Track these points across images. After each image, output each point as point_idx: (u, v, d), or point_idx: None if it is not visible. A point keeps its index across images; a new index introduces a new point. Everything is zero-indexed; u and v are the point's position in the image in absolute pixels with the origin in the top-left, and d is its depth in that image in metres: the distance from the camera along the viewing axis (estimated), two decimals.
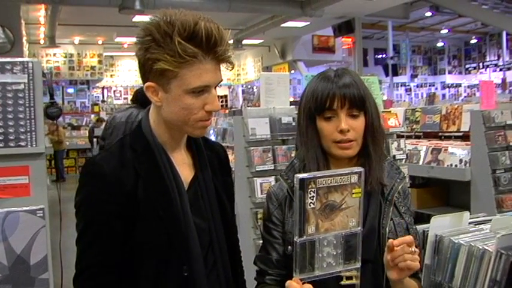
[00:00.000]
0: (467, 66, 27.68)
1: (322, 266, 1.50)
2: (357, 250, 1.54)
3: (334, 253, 1.51)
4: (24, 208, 2.32)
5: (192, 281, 1.66)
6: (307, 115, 1.77)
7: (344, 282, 1.53)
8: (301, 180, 1.43)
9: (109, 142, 6.10)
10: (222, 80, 1.65)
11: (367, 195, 1.54)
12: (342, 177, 1.48)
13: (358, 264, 1.54)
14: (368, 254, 1.67)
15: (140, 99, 6.24)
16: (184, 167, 1.74)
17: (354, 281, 1.54)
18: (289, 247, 1.76)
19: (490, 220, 1.87)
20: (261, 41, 17.70)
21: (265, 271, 1.84)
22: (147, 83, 1.61)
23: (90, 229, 1.64)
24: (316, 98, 1.73)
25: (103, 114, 18.29)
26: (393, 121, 4.23)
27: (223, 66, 1.64)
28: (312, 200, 1.44)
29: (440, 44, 27.35)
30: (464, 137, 5.44)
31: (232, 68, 1.67)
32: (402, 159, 4.24)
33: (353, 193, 1.50)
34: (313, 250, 1.48)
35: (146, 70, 1.60)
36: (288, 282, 1.48)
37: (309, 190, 1.44)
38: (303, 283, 1.47)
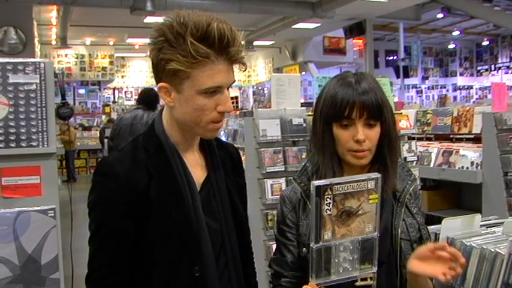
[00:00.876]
0: (478, 68, 27.53)
1: (338, 271, 1.50)
2: (374, 255, 1.54)
3: (351, 258, 1.51)
4: (36, 208, 2.33)
5: (203, 281, 1.66)
6: (324, 120, 1.76)
7: (359, 283, 1.54)
8: (318, 188, 1.43)
9: (116, 143, 6.27)
10: (234, 81, 1.65)
11: (380, 198, 1.54)
12: (359, 183, 1.48)
13: (375, 269, 1.54)
14: (382, 256, 1.67)
15: (145, 100, 6.50)
16: (196, 168, 1.75)
17: (369, 282, 1.54)
18: (304, 249, 1.77)
19: (502, 223, 1.86)
20: (272, 42, 17.69)
21: (281, 273, 1.84)
22: (160, 84, 1.62)
23: (103, 229, 1.64)
24: (335, 104, 1.72)
25: (114, 115, 18.33)
26: (404, 123, 4.22)
27: (235, 67, 1.64)
28: (329, 206, 1.45)
29: (451, 46, 27.20)
30: (476, 139, 5.41)
31: (245, 69, 1.67)
32: (413, 161, 4.23)
33: (370, 199, 1.50)
34: (329, 256, 1.49)
35: (159, 70, 1.60)
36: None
37: (326, 197, 1.44)
38: None
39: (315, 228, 1.45)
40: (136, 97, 21.27)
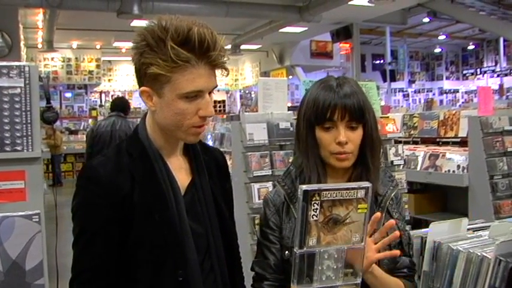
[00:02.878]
0: (464, 72, 27.74)
1: (321, 279, 1.48)
2: (359, 265, 1.53)
3: (335, 267, 1.49)
4: (20, 213, 2.30)
5: (187, 285, 1.66)
6: (307, 123, 1.78)
7: None
8: (305, 192, 1.42)
9: (97, 149, 6.74)
10: (216, 86, 1.65)
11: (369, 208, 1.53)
12: (348, 191, 1.46)
13: (359, 280, 1.53)
14: None
15: (119, 107, 7.08)
16: (181, 172, 1.75)
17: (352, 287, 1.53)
18: (287, 252, 1.77)
19: (489, 226, 1.87)
20: (259, 46, 17.70)
21: (263, 276, 1.83)
22: (142, 88, 1.63)
23: (86, 233, 1.64)
24: (317, 107, 1.74)
25: (101, 119, 18.23)
26: (391, 127, 4.22)
27: (218, 72, 1.64)
28: (315, 212, 1.43)
29: (438, 50, 27.40)
30: (462, 143, 5.43)
31: (228, 74, 1.67)
32: (400, 164, 4.24)
33: (359, 208, 1.48)
34: (312, 262, 1.47)
35: (141, 75, 1.61)
36: None
37: (313, 202, 1.42)
38: None
39: (300, 233, 1.44)
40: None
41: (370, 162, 1.80)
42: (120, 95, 18.59)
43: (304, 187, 1.43)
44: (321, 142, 1.76)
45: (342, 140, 1.71)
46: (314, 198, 1.42)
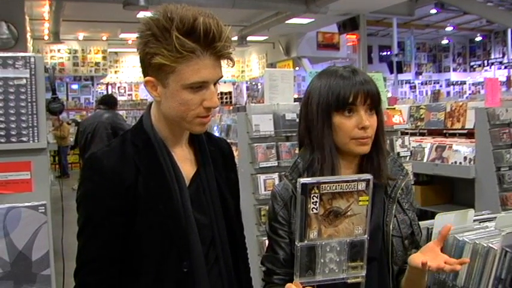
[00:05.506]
0: (472, 63, 27.65)
1: (324, 272, 1.48)
2: (363, 258, 1.52)
3: (338, 259, 1.49)
4: (26, 204, 2.31)
5: (191, 276, 1.65)
6: (324, 112, 1.75)
7: (350, 281, 1.52)
8: (304, 185, 1.41)
9: (83, 142, 7.18)
10: (221, 77, 1.64)
11: (371, 200, 1.52)
12: (348, 183, 1.45)
13: (363, 272, 1.53)
14: (373, 252, 1.67)
15: (104, 101, 7.56)
16: (186, 163, 1.74)
17: (358, 280, 1.53)
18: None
19: (495, 218, 1.86)
20: (266, 37, 17.65)
21: (273, 271, 1.82)
22: (146, 78, 1.62)
23: (90, 224, 1.64)
24: (338, 94, 1.72)
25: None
26: (398, 118, 4.21)
27: (223, 63, 1.63)
28: (315, 205, 1.42)
29: (445, 42, 27.31)
30: (469, 135, 5.42)
31: (233, 65, 1.66)
32: (406, 156, 4.22)
33: (360, 200, 1.47)
34: (314, 255, 1.46)
35: (145, 65, 1.60)
36: (287, 285, 1.48)
37: (312, 195, 1.42)
38: (304, 287, 1.47)
39: (300, 226, 1.44)
40: (130, 92, 21.60)
41: (383, 147, 1.81)
42: (127, 87, 18.63)
43: (303, 180, 1.42)
44: (340, 129, 1.73)
45: (366, 124, 1.71)
46: (313, 192, 1.42)
